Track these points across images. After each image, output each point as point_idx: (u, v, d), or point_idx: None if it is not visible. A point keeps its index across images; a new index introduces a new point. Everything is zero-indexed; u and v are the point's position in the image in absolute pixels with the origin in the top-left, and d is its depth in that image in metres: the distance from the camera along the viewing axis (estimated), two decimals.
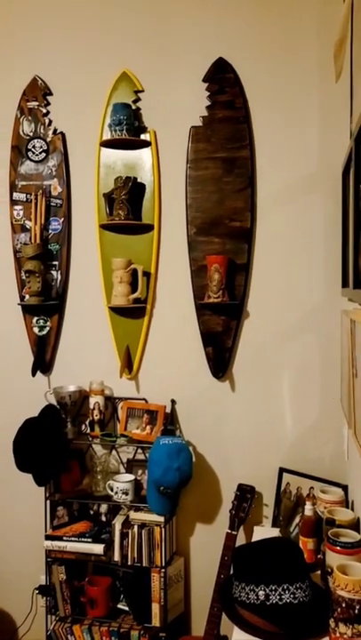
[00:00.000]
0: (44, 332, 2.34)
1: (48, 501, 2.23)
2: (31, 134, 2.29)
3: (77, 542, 2.13)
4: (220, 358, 2.18)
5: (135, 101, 2.19)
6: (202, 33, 2.14)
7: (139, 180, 2.20)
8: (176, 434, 2.22)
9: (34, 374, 2.34)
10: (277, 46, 2.07)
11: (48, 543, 2.15)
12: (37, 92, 2.27)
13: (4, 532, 2.44)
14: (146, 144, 2.19)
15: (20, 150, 2.30)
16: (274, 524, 2.08)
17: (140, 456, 2.26)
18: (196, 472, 2.15)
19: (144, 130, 2.20)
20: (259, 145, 2.12)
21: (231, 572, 1.65)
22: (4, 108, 2.30)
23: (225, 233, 2.14)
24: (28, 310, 2.35)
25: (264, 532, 2.01)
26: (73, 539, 2.14)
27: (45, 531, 2.20)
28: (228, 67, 2.11)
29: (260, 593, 1.43)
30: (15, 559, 2.43)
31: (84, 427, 2.28)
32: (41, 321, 2.34)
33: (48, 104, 2.28)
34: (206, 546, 2.23)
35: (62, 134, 2.27)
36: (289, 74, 2.06)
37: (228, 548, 1.98)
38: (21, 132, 2.29)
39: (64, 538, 2.15)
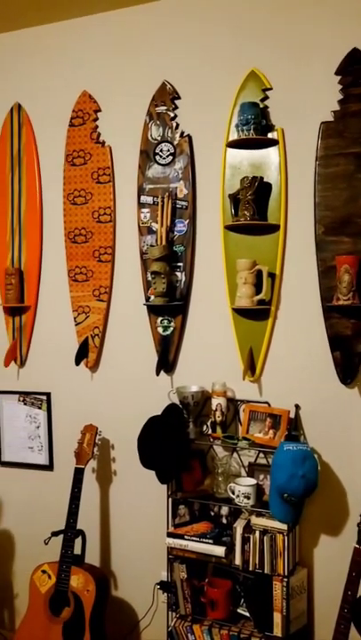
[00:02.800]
0: (168, 333, 2.38)
1: (170, 499, 2.26)
2: (159, 138, 2.33)
3: (198, 542, 2.14)
4: (349, 363, 2.08)
5: (263, 100, 2.15)
6: (333, 24, 2.05)
7: (265, 180, 2.16)
8: (300, 440, 2.15)
9: (158, 373, 2.38)
10: None
11: (170, 540, 2.18)
12: (166, 96, 2.31)
13: (128, 525, 2.52)
14: (273, 142, 2.15)
15: (147, 154, 2.35)
16: None
17: (262, 460, 2.22)
18: (321, 481, 2.07)
19: (271, 128, 2.16)
20: None
21: None
22: (133, 115, 2.37)
23: (356, 232, 2.04)
24: (153, 310, 2.40)
25: None
26: (194, 538, 2.15)
27: (167, 528, 2.24)
28: None
29: None
30: (138, 553, 2.50)
31: (205, 427, 2.29)
32: (165, 321, 2.38)
33: (176, 108, 2.31)
34: (332, 559, 2.14)
35: (189, 137, 2.30)
36: None
37: (356, 563, 1.88)
38: (150, 137, 2.35)
39: (185, 537, 2.16)
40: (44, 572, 2.32)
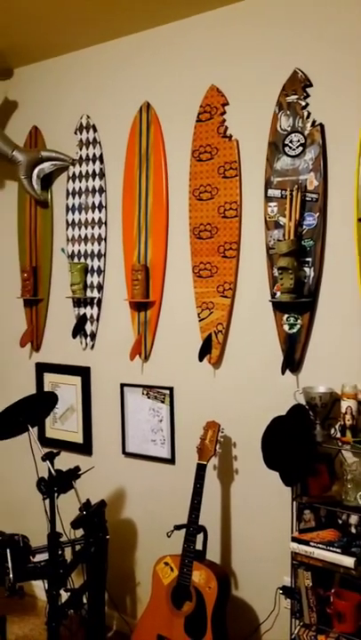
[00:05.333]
0: (295, 330, 2.30)
1: (295, 503, 2.18)
2: (289, 129, 2.25)
3: (325, 550, 2.04)
4: None
5: None
6: None
7: None
8: None
9: (283, 372, 2.31)
10: None
11: (294, 546, 2.11)
12: (297, 85, 2.22)
13: (249, 525, 2.48)
14: None
15: (276, 146, 2.28)
16: None
17: None
18: None
19: None
20: None
21: None
22: (262, 106, 2.32)
23: None
24: (279, 307, 2.33)
25: None
26: (320, 546, 2.06)
27: (291, 532, 2.17)
28: None
29: None
30: (259, 554, 2.45)
31: (333, 430, 2.18)
32: (291, 319, 2.30)
33: (307, 96, 2.22)
34: None
35: (321, 126, 2.19)
36: None
37: None
38: (279, 128, 2.28)
39: (311, 543, 2.08)
40: (166, 564, 2.35)
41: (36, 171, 2.91)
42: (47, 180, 2.98)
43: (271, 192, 2.31)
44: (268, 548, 2.42)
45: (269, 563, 2.41)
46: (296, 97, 2.23)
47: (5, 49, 2.83)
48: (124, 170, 2.72)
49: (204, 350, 2.51)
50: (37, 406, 2.50)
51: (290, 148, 2.25)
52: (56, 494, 2.27)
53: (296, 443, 2.10)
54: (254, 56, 2.34)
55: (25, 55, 2.93)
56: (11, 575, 2.23)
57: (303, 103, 2.22)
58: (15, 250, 3.14)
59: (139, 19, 2.52)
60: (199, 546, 2.35)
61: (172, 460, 2.67)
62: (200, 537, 2.36)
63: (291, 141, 2.25)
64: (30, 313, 3.10)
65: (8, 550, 2.27)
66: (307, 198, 2.23)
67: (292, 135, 2.25)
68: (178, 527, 2.36)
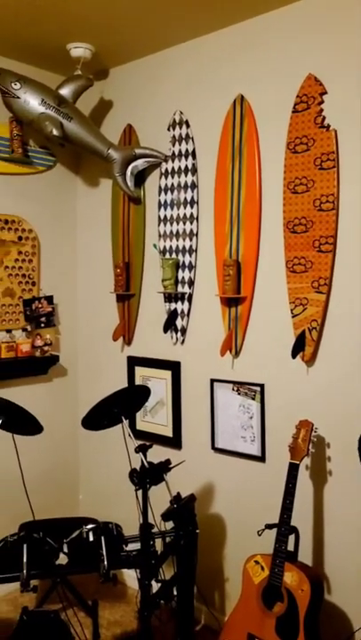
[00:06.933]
0: None
1: None
2: None
3: None
4: None
5: None
6: None
7: None
8: None
9: None
10: None
11: None
12: None
13: (343, 528, 2.40)
14: None
15: None
16: None
17: None
18: None
19: None
20: None
21: None
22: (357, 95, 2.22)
23: None
24: None
25: None
26: None
27: None
28: None
29: None
30: (354, 559, 2.36)
31: None
32: None
33: None
34: None
35: None
36: None
37: None
38: None
39: None
40: (256, 562, 2.33)
41: (129, 168, 2.97)
42: (140, 177, 3.03)
43: None
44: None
45: None
46: None
47: (101, 50, 2.90)
48: (216, 164, 2.71)
49: (298, 347, 2.45)
50: (131, 399, 2.55)
51: None
52: (148, 486, 2.30)
53: None
54: (354, 42, 2.24)
55: (119, 55, 2.99)
56: (105, 562, 2.30)
57: None
58: (109, 246, 3.23)
59: (230, 12, 2.49)
60: (290, 547, 2.30)
61: (262, 458, 2.64)
62: (291, 538, 2.31)
63: None
64: (123, 307, 3.18)
65: (103, 538, 2.34)
66: None
67: None
68: (269, 526, 2.32)
